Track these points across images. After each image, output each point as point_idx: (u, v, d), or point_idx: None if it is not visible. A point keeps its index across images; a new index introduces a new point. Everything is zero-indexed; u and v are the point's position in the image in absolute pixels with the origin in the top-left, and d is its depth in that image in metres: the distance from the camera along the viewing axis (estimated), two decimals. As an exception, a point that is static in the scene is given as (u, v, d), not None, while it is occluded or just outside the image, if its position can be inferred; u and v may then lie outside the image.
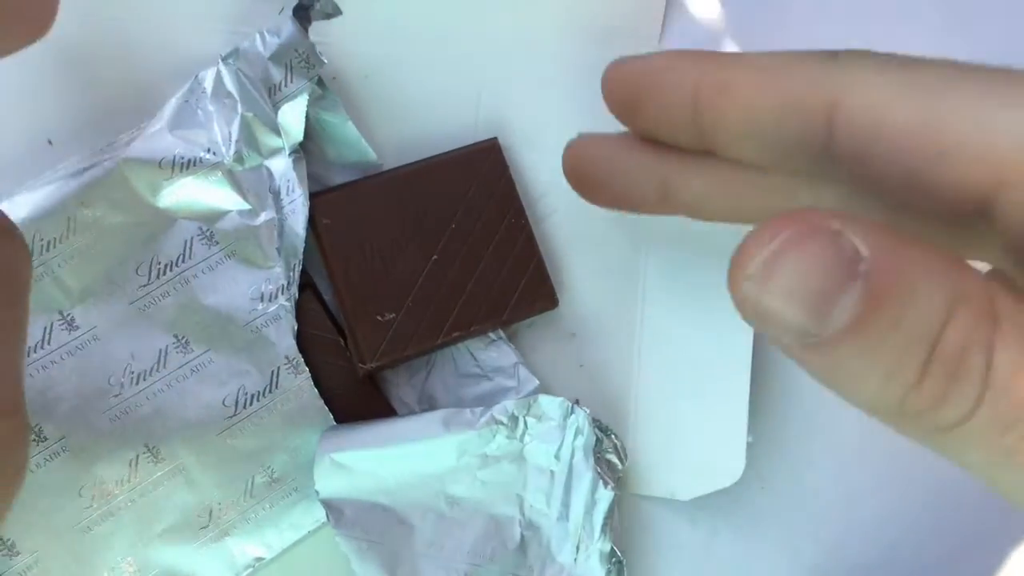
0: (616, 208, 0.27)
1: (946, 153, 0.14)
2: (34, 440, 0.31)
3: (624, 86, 0.22)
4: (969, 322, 0.12)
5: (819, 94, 0.16)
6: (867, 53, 0.16)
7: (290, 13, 0.33)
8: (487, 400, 0.35)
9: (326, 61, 0.33)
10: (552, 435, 0.34)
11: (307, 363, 0.33)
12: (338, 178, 0.36)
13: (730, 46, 0.40)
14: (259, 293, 0.33)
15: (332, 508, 0.32)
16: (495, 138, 0.36)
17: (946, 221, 0.15)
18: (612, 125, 0.39)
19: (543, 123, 0.37)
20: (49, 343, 0.32)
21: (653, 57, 0.19)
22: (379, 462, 0.33)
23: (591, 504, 0.33)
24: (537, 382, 0.35)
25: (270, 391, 0.33)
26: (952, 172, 0.14)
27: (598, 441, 0.34)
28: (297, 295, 0.34)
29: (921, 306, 0.12)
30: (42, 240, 0.32)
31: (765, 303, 0.12)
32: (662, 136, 0.22)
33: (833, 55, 0.16)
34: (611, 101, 0.23)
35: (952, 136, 0.14)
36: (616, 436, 0.34)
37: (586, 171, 0.25)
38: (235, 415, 0.33)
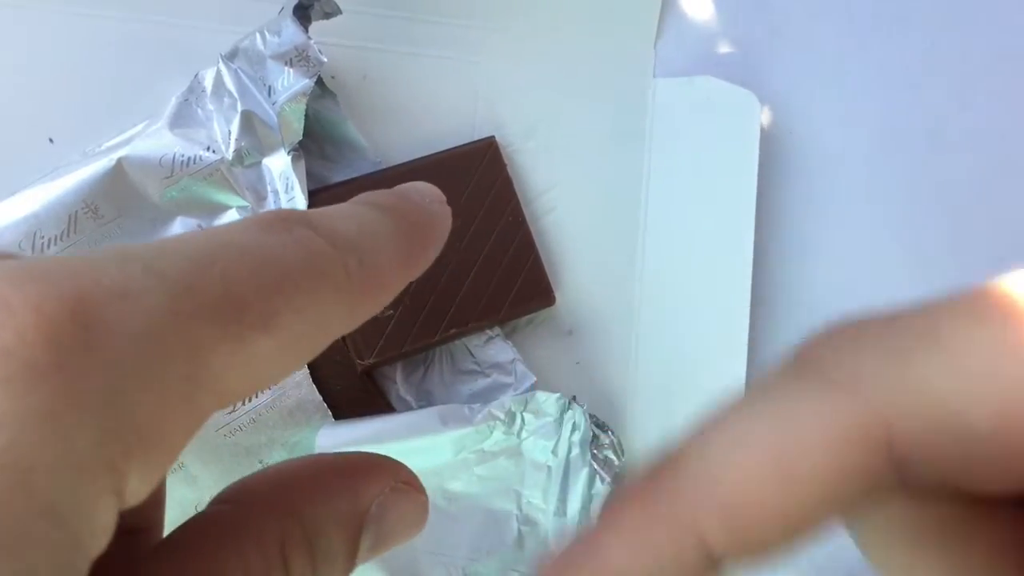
0: None
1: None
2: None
3: None
4: None
5: None
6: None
7: (290, 12, 0.33)
8: (484, 396, 0.35)
9: (325, 60, 0.33)
10: (549, 431, 0.34)
11: (306, 360, 0.33)
12: (337, 176, 0.36)
13: (724, 46, 0.40)
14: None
15: (331, 503, 0.32)
16: (493, 136, 0.36)
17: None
18: (610, 125, 0.39)
19: (541, 122, 0.38)
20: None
21: None
22: (377, 458, 0.33)
23: (588, 499, 0.34)
24: (534, 378, 0.36)
25: (269, 388, 0.33)
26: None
27: (595, 437, 0.34)
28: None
29: None
30: (43, 238, 0.32)
31: None
32: None
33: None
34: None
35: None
36: (613, 432, 0.35)
37: None
38: (234, 412, 0.33)
